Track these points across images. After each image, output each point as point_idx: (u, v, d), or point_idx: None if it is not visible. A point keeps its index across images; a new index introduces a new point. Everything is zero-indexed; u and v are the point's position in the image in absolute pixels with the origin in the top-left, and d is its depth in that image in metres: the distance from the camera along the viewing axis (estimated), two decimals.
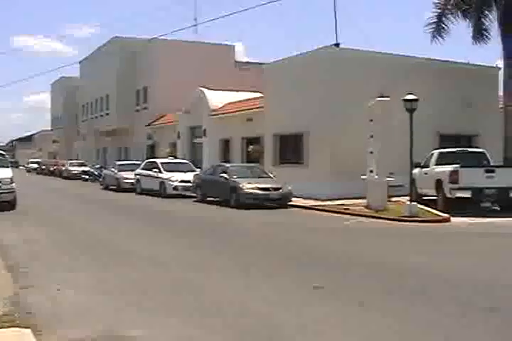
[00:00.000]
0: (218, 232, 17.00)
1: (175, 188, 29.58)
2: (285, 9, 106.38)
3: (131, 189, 33.47)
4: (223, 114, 37.12)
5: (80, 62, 64.18)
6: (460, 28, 28.41)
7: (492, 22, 28.04)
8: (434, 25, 28.22)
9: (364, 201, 22.37)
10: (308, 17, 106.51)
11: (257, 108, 32.54)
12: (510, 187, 20.46)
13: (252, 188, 23.57)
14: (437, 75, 28.52)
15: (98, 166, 49.52)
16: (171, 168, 31.51)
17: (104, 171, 40.17)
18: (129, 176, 34.21)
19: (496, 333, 6.83)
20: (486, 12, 28.03)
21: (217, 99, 38.53)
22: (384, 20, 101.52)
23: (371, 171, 22.01)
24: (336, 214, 21.26)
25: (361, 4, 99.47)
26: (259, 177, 25.28)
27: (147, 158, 40.45)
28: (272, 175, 25.86)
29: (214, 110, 37.88)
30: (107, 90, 56.04)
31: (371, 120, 22.10)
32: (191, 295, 8.74)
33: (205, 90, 39.20)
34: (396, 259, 12.06)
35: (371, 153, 22.06)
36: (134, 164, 36.67)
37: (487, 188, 20.42)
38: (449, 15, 28.02)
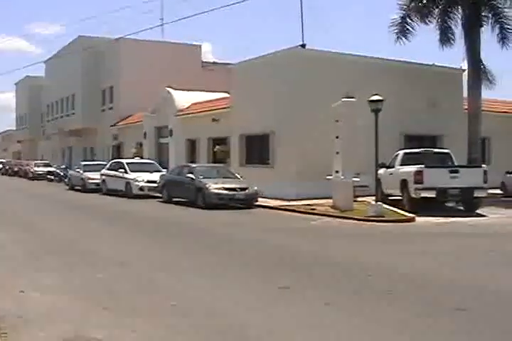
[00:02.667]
0: (185, 232, 16.95)
1: (141, 188, 29.42)
2: (253, 9, 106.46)
3: (96, 189, 33.21)
4: (190, 114, 37.00)
5: (45, 62, 63.48)
6: (426, 29, 28.63)
7: (457, 25, 28.41)
8: (398, 27, 28.46)
9: (330, 201, 22.46)
10: (275, 17, 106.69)
11: (224, 108, 32.50)
12: (474, 187, 20.70)
13: (219, 188, 23.53)
14: (403, 76, 28.75)
15: (63, 166, 49.03)
16: (136, 168, 31.33)
17: (70, 171, 39.81)
18: (94, 176, 33.93)
19: (462, 332, 6.89)
20: (451, 14, 28.37)
21: (183, 99, 38.40)
22: (352, 21, 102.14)
23: (337, 171, 22.11)
24: (302, 215, 21.29)
25: (328, 5, 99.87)
26: (225, 178, 25.25)
27: (113, 158, 40.14)
28: (238, 176, 25.84)
29: (180, 110, 37.74)
30: (73, 90, 55.52)
31: (337, 121, 22.19)
32: (158, 296, 8.70)
33: (171, 90, 39.05)
34: (363, 259, 12.10)
35: (337, 153, 22.15)
36: (100, 164, 36.34)
37: (451, 188, 20.65)
38: (413, 17, 28.30)
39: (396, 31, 28.56)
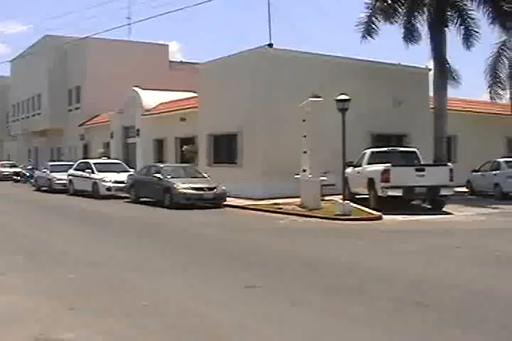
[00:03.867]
0: (154, 232, 16.86)
1: (108, 189, 29.23)
2: (221, 9, 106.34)
3: (63, 190, 32.92)
4: (157, 113, 36.86)
5: (11, 61, 62.77)
6: (394, 29, 28.87)
7: (422, 24, 28.66)
8: (364, 25, 28.63)
9: (298, 200, 22.50)
10: (243, 17, 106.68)
11: (191, 108, 32.42)
12: (440, 185, 20.90)
13: (186, 188, 23.46)
14: (370, 76, 28.93)
15: (30, 167, 48.51)
16: (104, 168, 31.11)
17: (36, 172, 39.45)
18: (61, 177, 33.64)
19: (431, 327, 6.95)
20: (416, 14, 28.61)
21: (151, 98, 38.23)
22: (320, 21, 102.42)
23: (304, 170, 22.17)
24: (270, 214, 21.31)
25: (296, 4, 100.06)
26: (193, 178, 25.19)
27: (80, 159, 39.83)
28: (206, 175, 25.79)
29: (148, 110, 37.59)
30: (39, 89, 54.95)
31: (304, 120, 22.24)
32: (129, 296, 8.66)
33: (138, 90, 38.85)
34: (330, 257, 12.15)
35: (304, 152, 22.21)
36: (67, 165, 36.02)
37: (418, 186, 20.82)
38: (379, 16, 28.49)
39: (362, 30, 28.76)
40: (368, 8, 28.80)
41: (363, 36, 28.66)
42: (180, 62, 52.59)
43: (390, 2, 28.29)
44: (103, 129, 43.41)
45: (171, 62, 51.91)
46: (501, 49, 34.87)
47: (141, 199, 26.22)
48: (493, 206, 23.39)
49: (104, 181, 29.40)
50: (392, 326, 7.02)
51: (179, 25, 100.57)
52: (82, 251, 13.05)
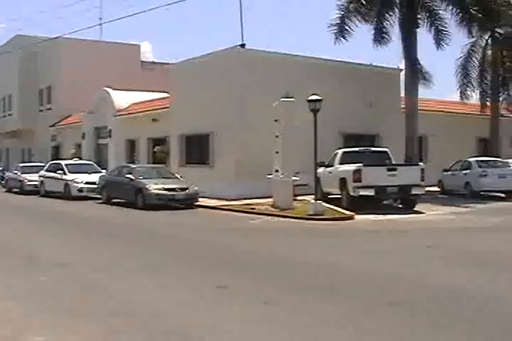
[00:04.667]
0: (126, 233, 16.79)
1: (80, 190, 29.01)
2: (194, 8, 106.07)
3: (35, 191, 32.61)
4: (129, 114, 36.66)
5: None
6: (364, 29, 29.00)
7: (393, 25, 28.84)
8: (337, 27, 28.74)
9: (270, 200, 22.51)
10: (216, 17, 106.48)
11: (163, 108, 32.29)
12: (411, 184, 21.05)
13: (158, 189, 23.36)
14: (342, 76, 29.05)
15: (0, 168, 48.00)
16: (75, 169, 30.88)
17: (7, 173, 39.07)
18: (32, 178, 33.30)
19: (403, 325, 7.00)
20: (387, 15, 28.77)
21: (122, 99, 38.03)
22: (292, 21, 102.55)
23: (277, 170, 22.19)
24: (242, 214, 21.30)
25: (268, 5, 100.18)
26: (165, 178, 25.08)
27: (51, 160, 39.50)
28: (178, 176, 25.70)
29: (119, 110, 37.38)
30: (9, 90, 54.37)
31: (276, 120, 22.27)
32: (101, 297, 8.60)
33: (110, 90, 38.63)
34: (303, 257, 12.15)
35: (277, 152, 22.24)
36: (38, 166, 35.69)
37: (389, 186, 20.96)
38: (352, 17, 28.61)
39: (335, 31, 28.86)
40: (340, 9, 28.94)
41: (336, 37, 28.78)
42: (152, 62, 52.36)
43: (363, 3, 28.40)
44: (75, 130, 43.07)
45: (142, 62, 51.66)
46: (471, 50, 35.33)
47: (113, 200, 26.06)
48: (464, 205, 23.63)
49: (75, 182, 29.18)
50: (364, 326, 7.04)
51: (151, 25, 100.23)
52: (53, 251, 12.96)
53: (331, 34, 28.93)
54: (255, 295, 8.65)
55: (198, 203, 24.02)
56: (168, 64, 34.23)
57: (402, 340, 6.54)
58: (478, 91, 35.78)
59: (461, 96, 35.31)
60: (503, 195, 27.05)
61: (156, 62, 50.99)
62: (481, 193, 26.80)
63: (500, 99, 35.47)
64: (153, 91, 37.53)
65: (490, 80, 35.21)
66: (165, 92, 33.67)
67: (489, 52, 35.27)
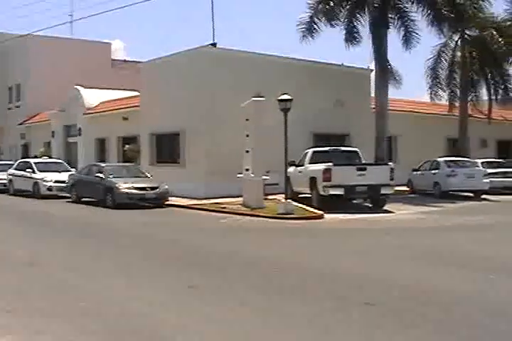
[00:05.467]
0: (96, 233, 16.65)
1: (49, 189, 28.75)
2: (166, 7, 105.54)
3: (3, 190, 32.26)
4: (99, 112, 36.44)
5: None
6: (336, 29, 29.11)
7: (364, 25, 29.00)
8: (305, 25, 28.80)
9: (241, 199, 22.52)
10: (188, 16, 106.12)
11: (134, 107, 32.13)
12: (380, 184, 21.21)
13: (128, 188, 23.25)
14: (313, 76, 29.14)
15: None
16: (44, 167, 30.59)
17: None
18: (1, 177, 32.94)
19: (373, 326, 7.02)
20: (358, 15, 28.92)
21: (93, 97, 37.79)
22: (264, 20, 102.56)
23: (247, 170, 22.21)
24: (212, 213, 21.27)
25: (239, 4, 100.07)
26: (135, 177, 24.95)
27: (20, 158, 39.11)
28: (148, 175, 25.60)
29: (89, 109, 37.16)
30: None
31: (247, 119, 22.28)
32: (69, 296, 8.54)
33: (80, 88, 38.38)
34: (273, 256, 12.19)
35: (247, 152, 22.26)
36: (7, 164, 35.29)
37: (359, 185, 21.10)
38: (321, 17, 28.69)
39: (303, 30, 28.91)
40: (310, 8, 29.00)
41: (304, 36, 28.82)
42: (123, 60, 52.10)
43: (331, 4, 28.50)
44: (44, 128, 42.68)
45: (113, 60, 51.36)
46: (441, 51, 35.66)
47: (83, 199, 25.88)
48: (433, 204, 23.86)
49: (45, 181, 28.92)
50: (335, 325, 7.07)
51: (123, 23, 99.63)
52: (22, 251, 12.80)
53: (299, 33, 29.06)
54: (226, 295, 8.65)
55: (168, 202, 23.95)
56: (138, 62, 34.07)
57: (371, 339, 6.58)
58: (447, 92, 36.14)
59: (430, 97, 35.65)
60: (471, 195, 27.37)
61: (126, 61, 50.78)
62: (450, 193, 27.09)
63: (469, 99, 35.86)
64: (124, 89, 37.33)
65: (459, 81, 35.57)
66: (136, 91, 33.50)
67: (458, 53, 35.63)
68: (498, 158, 35.44)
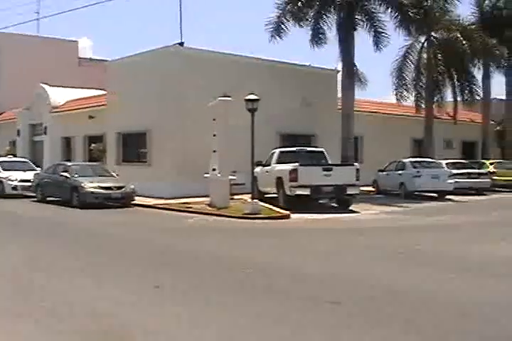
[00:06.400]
0: (61, 233, 16.49)
1: (14, 188, 28.45)
2: (135, 6, 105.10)
3: None
4: (65, 111, 36.11)
5: None
6: (304, 30, 29.23)
7: (330, 27, 29.14)
8: (273, 25, 28.88)
9: (207, 199, 22.51)
10: (156, 15, 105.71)
11: (101, 105, 31.94)
12: (346, 184, 21.34)
13: (94, 187, 23.11)
14: (280, 76, 29.21)
15: None
16: (9, 166, 30.23)
17: None
18: None
19: (341, 325, 7.07)
20: (325, 17, 29.07)
21: (59, 95, 37.44)
22: (233, 20, 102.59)
23: (214, 169, 22.20)
24: (179, 213, 21.20)
25: (207, 4, 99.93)
26: (101, 176, 24.79)
27: None
28: (114, 174, 25.46)
29: (55, 107, 36.80)
30: None
31: (214, 119, 22.28)
32: (37, 297, 8.47)
33: (46, 86, 37.99)
34: (240, 256, 12.20)
35: (214, 151, 22.26)
36: None
37: (325, 186, 21.21)
38: (289, 18, 28.79)
39: (271, 30, 29.00)
40: (278, 8, 29.09)
41: (272, 36, 28.93)
42: (90, 58, 51.73)
43: (299, 4, 28.60)
44: (9, 127, 42.17)
45: (80, 58, 50.98)
46: (407, 52, 36.03)
47: (49, 199, 25.65)
48: (398, 205, 24.09)
49: (9, 180, 28.61)
50: (303, 324, 7.11)
51: (90, 21, 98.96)
52: None
53: (268, 33, 29.14)
54: (193, 295, 8.65)
55: (134, 202, 23.83)
56: (106, 61, 33.86)
57: (338, 339, 6.63)
58: (413, 94, 36.51)
59: (396, 98, 35.97)
60: (436, 195, 27.65)
61: (93, 59, 50.42)
62: (415, 193, 27.37)
63: (435, 101, 36.27)
64: (90, 88, 37.09)
65: (425, 83, 35.95)
66: (103, 90, 33.30)
67: (425, 55, 36.02)
68: (463, 159, 35.88)
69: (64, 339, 6.60)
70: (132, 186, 23.78)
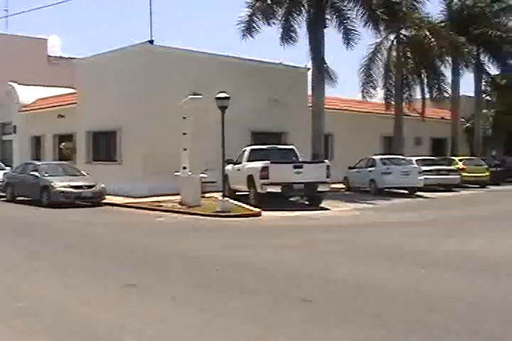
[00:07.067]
0: (31, 232, 16.34)
1: None
2: (105, 3, 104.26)
3: None
4: (35, 110, 35.86)
5: None
6: (274, 28, 29.30)
7: (300, 25, 29.25)
8: (245, 24, 28.92)
9: (178, 197, 22.47)
10: (126, 13, 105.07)
11: (70, 104, 31.71)
12: (317, 181, 21.43)
13: (64, 186, 22.97)
14: (250, 74, 29.20)
15: None
16: None
17: None
18: None
19: (311, 321, 7.11)
20: (295, 15, 29.15)
21: (28, 94, 37.19)
22: (203, 19, 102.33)
23: (185, 167, 22.18)
24: (149, 211, 21.15)
25: (179, 2, 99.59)
26: (71, 176, 24.62)
27: None
28: (85, 173, 25.31)
29: (25, 106, 36.55)
30: None
31: (184, 117, 22.26)
32: (3, 297, 8.41)
33: (15, 85, 37.70)
34: (211, 254, 12.21)
35: (185, 150, 22.23)
36: None
37: (296, 183, 21.28)
38: (259, 16, 28.84)
39: (243, 29, 29.04)
40: (248, 7, 29.14)
41: (244, 35, 28.99)
42: (59, 57, 51.28)
43: (269, 2, 28.66)
44: None
45: (49, 56, 50.56)
46: (377, 50, 36.25)
47: (18, 199, 25.43)
48: (369, 201, 24.30)
49: None
50: (271, 320, 7.15)
51: (61, 18, 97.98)
52: None
53: (239, 32, 29.19)
54: (163, 293, 8.63)
55: (105, 201, 23.73)
56: (75, 59, 33.62)
57: (308, 334, 6.67)
58: (383, 91, 36.78)
59: (363, 95, 36.10)
60: (406, 192, 27.89)
61: (63, 57, 50.00)
62: (385, 190, 27.58)
63: (404, 98, 36.55)
64: (60, 86, 36.82)
65: (394, 80, 36.21)
66: (72, 88, 33.07)
67: (394, 53, 36.28)
68: (432, 156, 36.25)
69: (30, 339, 6.56)
70: (103, 185, 23.67)
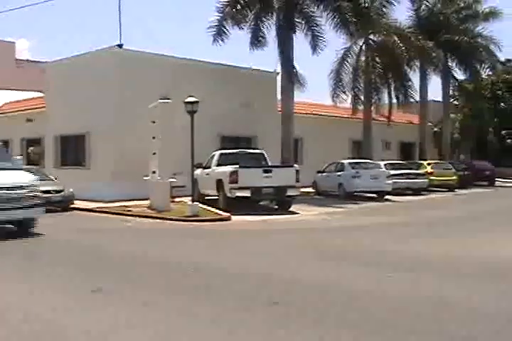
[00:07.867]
0: None
1: None
2: (74, 7, 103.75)
3: None
4: (2, 114, 35.51)
5: None
6: (244, 32, 29.37)
7: (269, 29, 29.36)
8: (215, 29, 28.96)
9: (148, 202, 22.41)
10: (95, 16, 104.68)
11: (38, 108, 31.47)
12: (286, 186, 21.51)
13: None
14: (220, 78, 29.20)
15: None
16: None
17: None
18: None
19: (277, 325, 7.13)
20: (264, 19, 29.25)
21: None
22: (173, 22, 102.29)
23: (154, 172, 22.13)
24: (118, 216, 21.02)
25: (148, 6, 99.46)
26: (39, 180, 24.34)
27: None
28: (53, 178, 25.09)
29: None
30: None
31: (153, 121, 22.22)
32: None
33: None
34: (179, 258, 12.19)
35: (154, 154, 22.18)
36: None
37: (265, 187, 21.34)
38: (229, 20, 28.90)
39: (213, 33, 29.06)
40: (218, 11, 29.19)
41: (215, 39, 29.05)
42: (27, 60, 50.95)
43: (239, 7, 28.73)
44: None
45: (17, 60, 50.20)
46: (346, 55, 36.51)
47: None
48: (338, 205, 24.41)
49: None
50: (239, 324, 7.17)
51: (29, 22, 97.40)
52: None
53: (210, 36, 29.23)
54: (130, 298, 8.62)
55: (73, 205, 23.57)
56: (44, 62, 33.39)
57: (275, 338, 6.70)
58: (351, 96, 37.02)
59: (332, 99, 36.33)
60: (375, 196, 28.09)
61: (31, 61, 49.70)
62: (354, 194, 27.73)
63: (372, 103, 36.85)
64: (28, 90, 36.57)
65: (362, 85, 36.49)
66: (41, 92, 32.83)
67: (363, 58, 36.56)
68: (401, 160, 36.58)
69: None
70: (71, 190, 23.51)
